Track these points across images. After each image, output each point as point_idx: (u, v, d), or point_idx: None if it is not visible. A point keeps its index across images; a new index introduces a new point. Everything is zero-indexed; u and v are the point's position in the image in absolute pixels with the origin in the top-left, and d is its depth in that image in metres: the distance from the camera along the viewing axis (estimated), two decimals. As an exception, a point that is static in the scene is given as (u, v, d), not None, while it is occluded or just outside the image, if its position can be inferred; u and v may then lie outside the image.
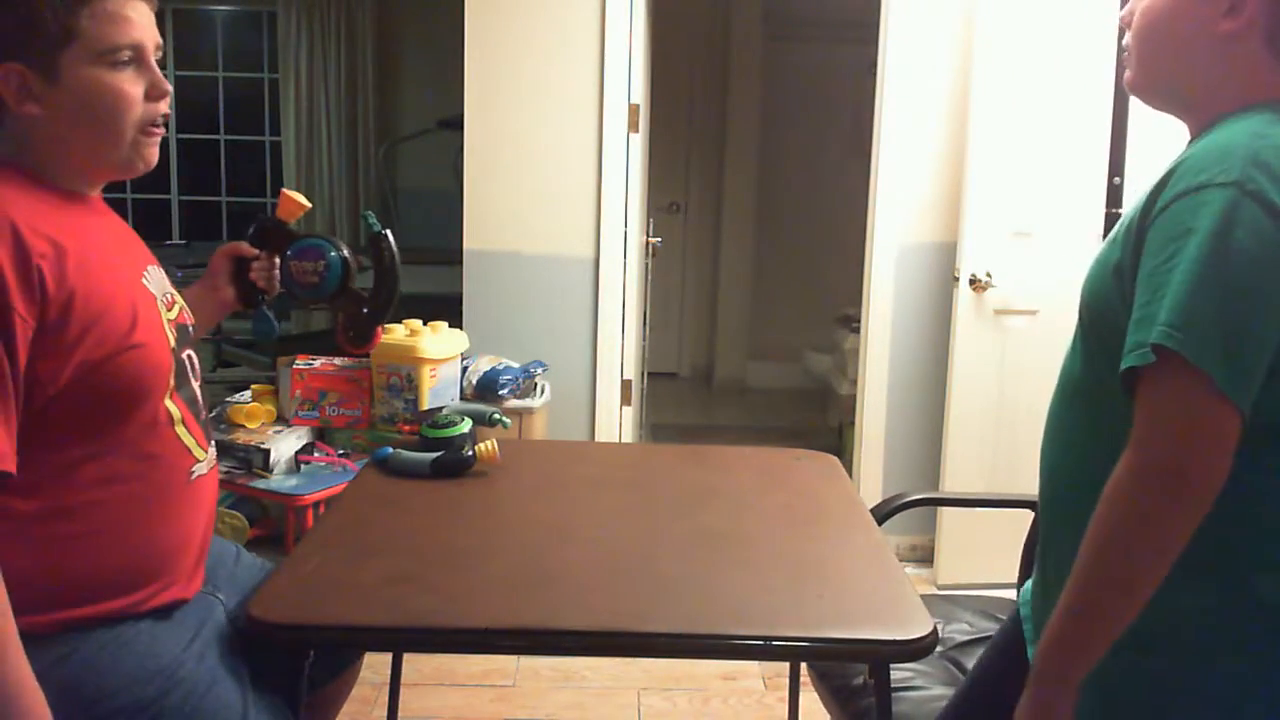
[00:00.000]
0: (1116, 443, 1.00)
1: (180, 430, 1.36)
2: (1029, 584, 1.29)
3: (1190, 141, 1.10)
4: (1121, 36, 1.17)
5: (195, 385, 1.43)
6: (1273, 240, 0.93)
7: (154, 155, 1.37)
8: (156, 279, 1.41)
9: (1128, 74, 1.16)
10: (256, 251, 1.73)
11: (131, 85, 1.30)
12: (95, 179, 1.37)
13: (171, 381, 1.34)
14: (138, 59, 1.30)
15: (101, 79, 1.27)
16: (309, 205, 1.78)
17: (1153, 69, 1.12)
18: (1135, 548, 0.99)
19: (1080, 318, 1.15)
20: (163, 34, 1.36)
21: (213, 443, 1.46)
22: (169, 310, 1.40)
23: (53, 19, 1.23)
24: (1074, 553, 1.03)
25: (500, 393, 3.01)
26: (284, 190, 1.77)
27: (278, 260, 1.75)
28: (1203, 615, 1.06)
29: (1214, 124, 1.05)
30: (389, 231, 1.79)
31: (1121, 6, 1.17)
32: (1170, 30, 1.09)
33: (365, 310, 1.78)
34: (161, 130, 1.36)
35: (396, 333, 2.88)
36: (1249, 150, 0.96)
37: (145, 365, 1.29)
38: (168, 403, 1.34)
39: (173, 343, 1.36)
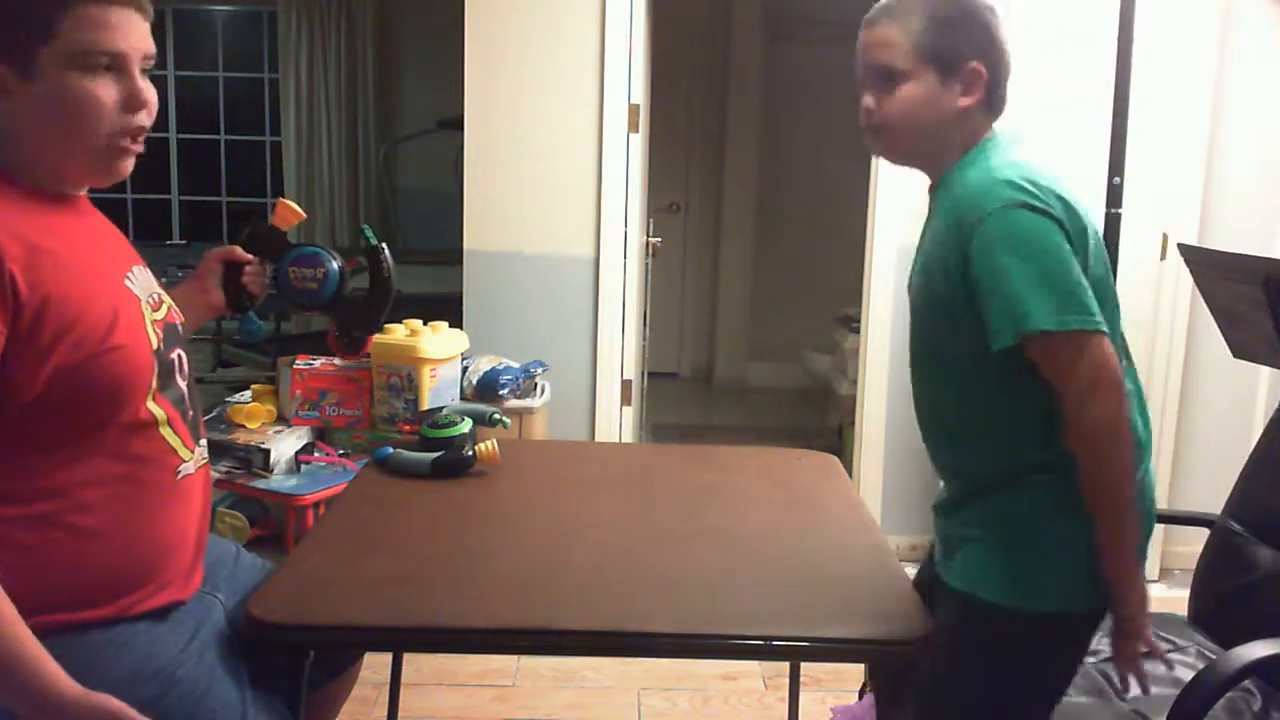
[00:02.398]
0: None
1: (165, 431, 1.36)
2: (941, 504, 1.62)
3: (940, 181, 1.51)
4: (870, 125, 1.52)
5: (183, 385, 1.42)
6: (1045, 224, 1.35)
7: (126, 168, 1.33)
8: (142, 280, 1.40)
9: (881, 149, 1.55)
10: (251, 257, 1.74)
11: (105, 92, 1.27)
12: (71, 181, 1.34)
13: (154, 383, 1.34)
14: (118, 67, 1.27)
15: (75, 83, 1.25)
16: (304, 215, 1.82)
17: (912, 143, 1.52)
18: (1120, 471, 1.36)
19: (918, 303, 1.53)
20: (163, 34, 1.35)
21: (201, 442, 1.45)
22: (155, 310, 1.39)
23: (34, 16, 1.22)
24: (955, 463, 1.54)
25: (500, 393, 3.01)
26: (281, 199, 1.80)
27: (271, 266, 1.78)
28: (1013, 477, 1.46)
29: (953, 166, 1.48)
30: (385, 245, 1.86)
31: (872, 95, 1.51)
32: (926, 114, 1.47)
33: (359, 318, 1.85)
34: (139, 145, 1.33)
35: (396, 333, 2.88)
36: (997, 179, 1.39)
37: (125, 368, 1.28)
38: (151, 404, 1.33)
39: (157, 343, 1.35)
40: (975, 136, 1.49)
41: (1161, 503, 3.03)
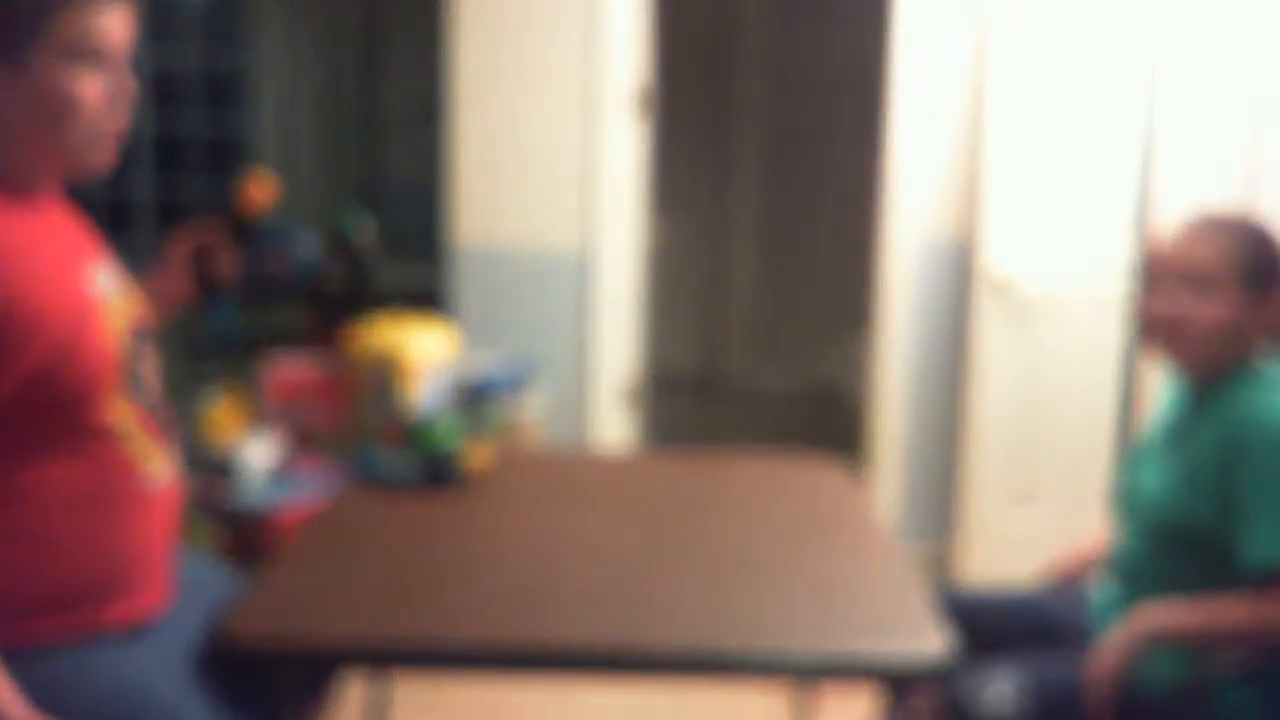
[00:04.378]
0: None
1: (132, 438, 1.36)
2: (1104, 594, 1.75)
3: (1211, 392, 1.65)
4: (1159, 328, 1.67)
5: (151, 388, 1.43)
6: None
7: (106, 160, 1.37)
8: (108, 277, 1.40)
9: (1172, 349, 1.67)
10: (221, 241, 1.72)
11: (93, 88, 1.30)
12: (49, 176, 1.36)
13: (120, 387, 1.34)
14: (105, 63, 1.31)
15: (64, 78, 1.28)
16: (276, 195, 1.80)
17: (1207, 352, 1.64)
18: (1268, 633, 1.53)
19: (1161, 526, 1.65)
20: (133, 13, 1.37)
21: (173, 450, 1.46)
22: (122, 310, 1.39)
23: (27, 13, 1.25)
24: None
25: (492, 397, 3.01)
26: (252, 178, 1.78)
27: (242, 251, 1.76)
28: None
29: (1228, 380, 1.64)
30: (366, 230, 1.83)
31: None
32: (1228, 327, 1.62)
33: (338, 304, 1.82)
34: (118, 137, 1.36)
35: (382, 334, 2.87)
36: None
37: (88, 371, 1.29)
38: (116, 409, 1.34)
39: (123, 346, 1.36)
40: (1252, 355, 1.66)
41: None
